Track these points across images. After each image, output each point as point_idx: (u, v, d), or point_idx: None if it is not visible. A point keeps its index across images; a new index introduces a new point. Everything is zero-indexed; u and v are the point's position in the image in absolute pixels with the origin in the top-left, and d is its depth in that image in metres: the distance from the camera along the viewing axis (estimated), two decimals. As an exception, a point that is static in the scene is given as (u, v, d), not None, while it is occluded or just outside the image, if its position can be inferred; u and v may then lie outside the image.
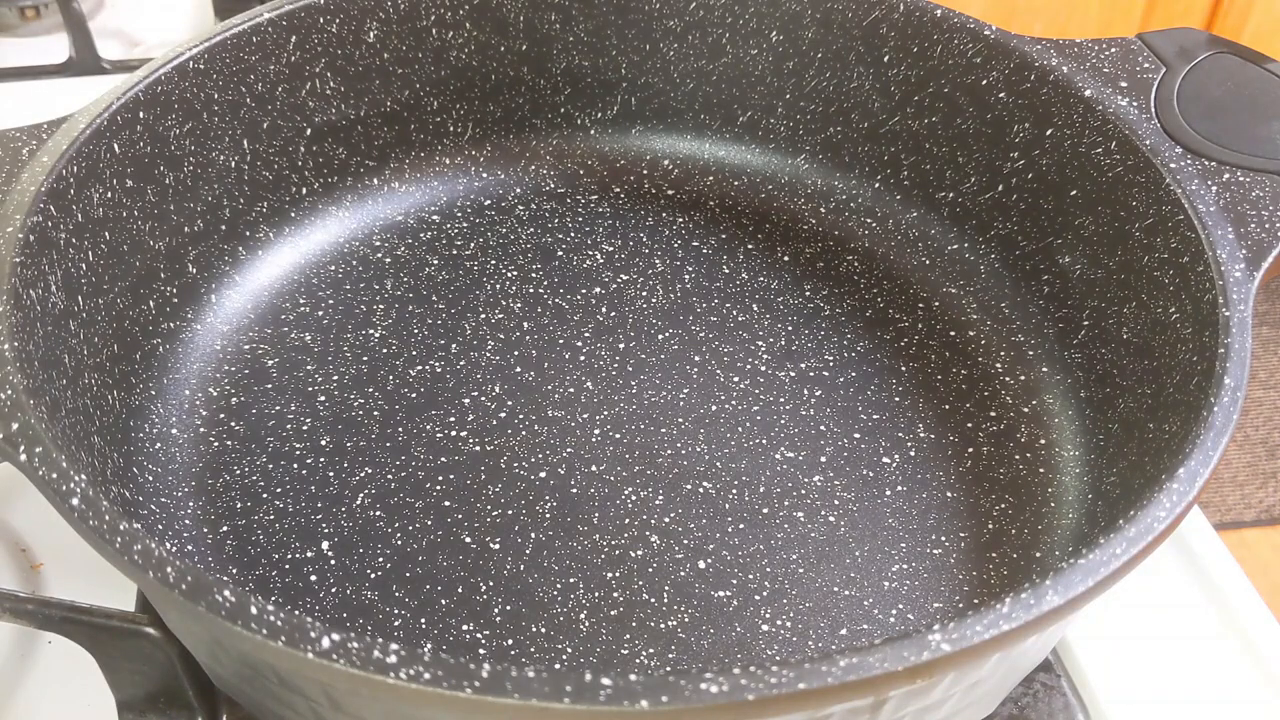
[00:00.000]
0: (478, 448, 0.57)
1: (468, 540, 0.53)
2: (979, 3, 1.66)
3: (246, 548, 0.53)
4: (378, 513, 0.54)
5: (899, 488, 0.56)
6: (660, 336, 0.63)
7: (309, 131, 0.65)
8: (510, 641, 0.49)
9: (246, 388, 0.60)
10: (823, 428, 0.58)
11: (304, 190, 0.67)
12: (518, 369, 0.61)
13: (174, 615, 0.43)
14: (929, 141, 0.68)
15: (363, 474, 0.56)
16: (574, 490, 0.55)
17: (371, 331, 0.63)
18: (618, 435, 0.58)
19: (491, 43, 0.69)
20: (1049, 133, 0.61)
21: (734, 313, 0.65)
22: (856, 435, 0.58)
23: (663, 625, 0.50)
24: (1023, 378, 0.61)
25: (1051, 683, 0.51)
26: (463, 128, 0.72)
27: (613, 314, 0.64)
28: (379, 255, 0.68)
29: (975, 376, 0.62)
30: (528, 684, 0.31)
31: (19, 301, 0.45)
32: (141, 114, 0.55)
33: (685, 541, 0.53)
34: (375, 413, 0.59)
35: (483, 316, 0.64)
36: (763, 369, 0.61)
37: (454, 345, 0.62)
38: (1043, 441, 0.58)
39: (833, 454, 0.57)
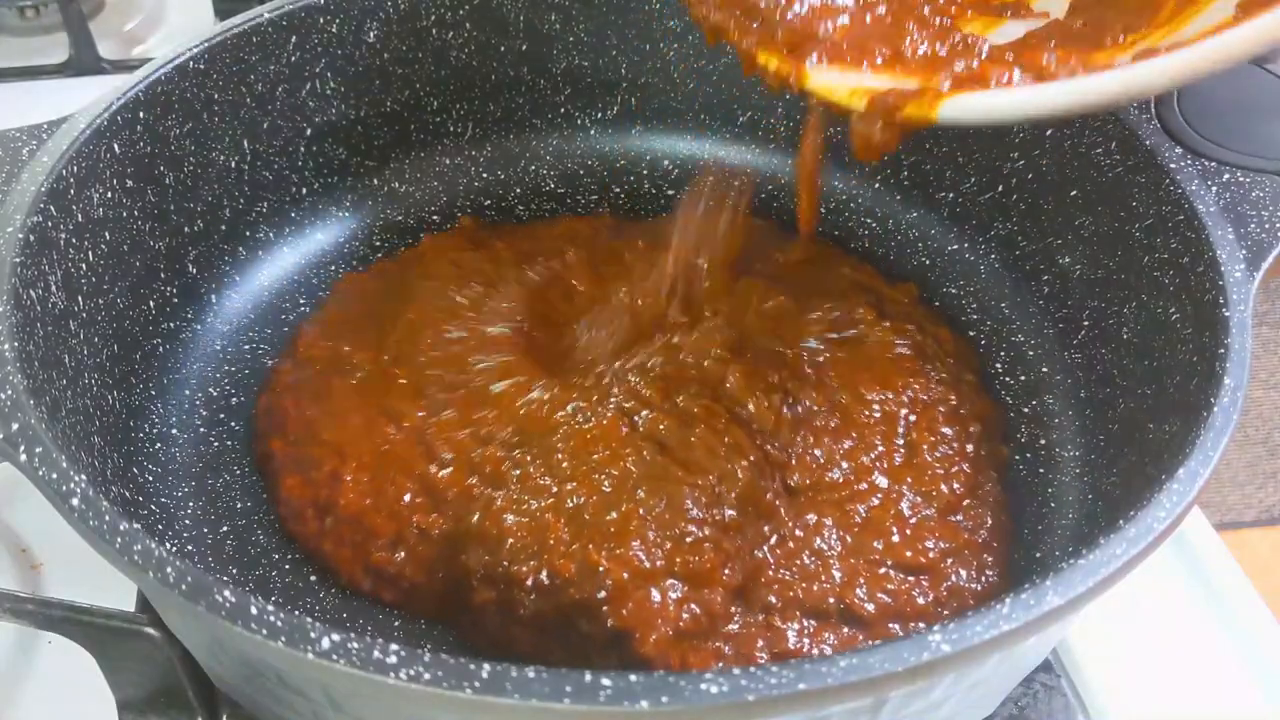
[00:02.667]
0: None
1: (468, 540, 0.53)
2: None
3: (246, 548, 0.53)
4: (378, 513, 0.54)
5: (899, 488, 0.56)
6: (660, 337, 0.63)
7: (309, 131, 0.65)
8: (510, 641, 0.49)
9: (247, 388, 0.60)
10: (823, 428, 0.58)
11: (304, 190, 0.67)
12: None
13: (174, 615, 0.43)
14: (929, 141, 0.68)
15: (363, 474, 0.56)
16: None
17: (371, 331, 0.63)
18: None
19: (492, 43, 0.69)
20: (1049, 133, 0.61)
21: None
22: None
23: (663, 625, 0.50)
24: (1023, 378, 0.61)
25: (1051, 683, 0.51)
26: (463, 128, 0.72)
27: (613, 314, 0.64)
28: (379, 255, 0.68)
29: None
30: (528, 684, 0.31)
31: (19, 301, 0.45)
32: (141, 114, 0.55)
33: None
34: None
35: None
36: (763, 369, 0.61)
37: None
38: (1043, 441, 0.58)
39: (833, 454, 0.57)
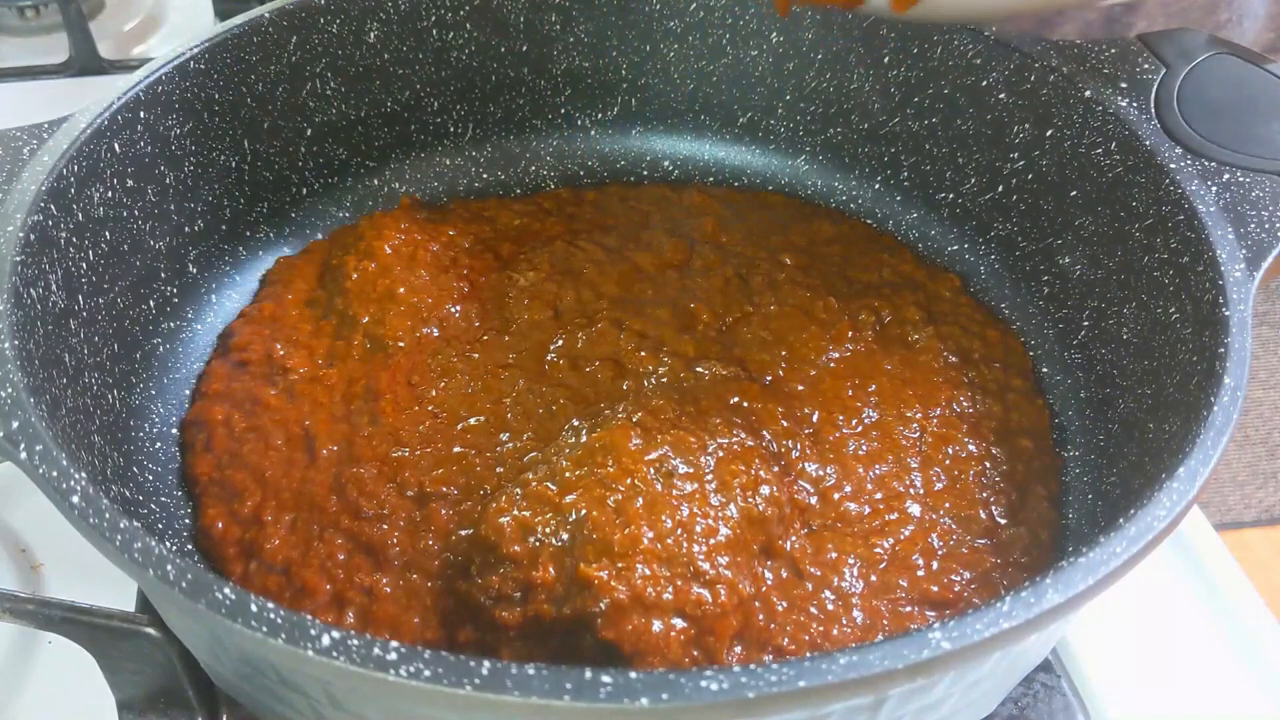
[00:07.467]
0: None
1: (468, 540, 0.53)
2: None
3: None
4: (378, 512, 0.54)
5: (899, 488, 0.56)
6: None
7: (309, 132, 0.65)
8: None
9: (247, 387, 0.60)
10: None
11: (304, 190, 0.67)
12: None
13: (174, 613, 0.43)
14: (929, 142, 0.68)
15: (363, 474, 0.55)
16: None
17: (371, 331, 0.63)
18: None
19: (492, 44, 0.69)
20: (1049, 133, 0.61)
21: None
22: (856, 435, 0.58)
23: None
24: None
25: (1051, 683, 0.51)
26: (463, 128, 0.72)
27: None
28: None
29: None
30: (527, 681, 0.31)
31: (19, 300, 0.45)
32: (142, 114, 0.55)
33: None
34: (375, 412, 0.58)
35: (483, 316, 0.64)
36: (763, 369, 0.61)
37: (454, 345, 0.62)
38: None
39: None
